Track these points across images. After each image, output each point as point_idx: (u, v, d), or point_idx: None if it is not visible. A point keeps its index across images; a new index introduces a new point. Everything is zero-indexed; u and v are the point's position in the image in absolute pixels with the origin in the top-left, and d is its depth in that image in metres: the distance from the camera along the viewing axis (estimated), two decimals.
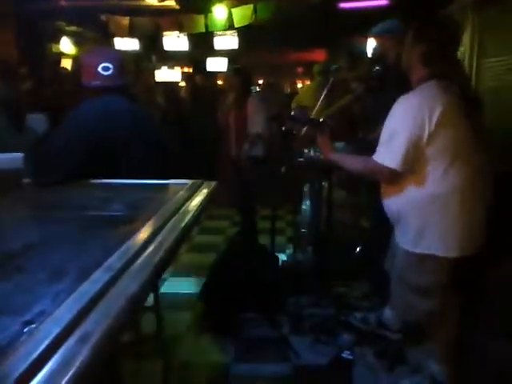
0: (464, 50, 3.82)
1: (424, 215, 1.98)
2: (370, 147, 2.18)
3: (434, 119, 1.85)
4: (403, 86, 2.08)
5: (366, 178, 2.14)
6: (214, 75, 7.41)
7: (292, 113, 3.53)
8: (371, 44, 5.92)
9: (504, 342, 2.32)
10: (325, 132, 2.42)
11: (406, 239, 2.09)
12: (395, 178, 2.00)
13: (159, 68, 9.40)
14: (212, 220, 5.14)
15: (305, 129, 2.88)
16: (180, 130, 5.69)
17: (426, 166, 1.93)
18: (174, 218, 1.25)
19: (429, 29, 2.05)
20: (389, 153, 1.96)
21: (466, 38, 3.84)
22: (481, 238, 2.01)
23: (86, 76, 2.14)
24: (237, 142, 4.15)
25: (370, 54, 5.57)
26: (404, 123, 1.93)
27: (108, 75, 2.11)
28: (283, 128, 2.98)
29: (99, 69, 2.09)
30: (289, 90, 9.97)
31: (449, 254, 1.97)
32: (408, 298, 2.19)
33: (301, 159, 2.97)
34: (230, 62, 7.97)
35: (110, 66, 2.10)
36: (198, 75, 6.84)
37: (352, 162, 2.22)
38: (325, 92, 3.07)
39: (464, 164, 1.92)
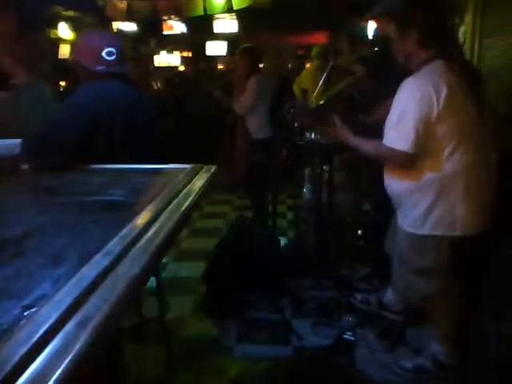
0: (466, 29, 3.76)
1: (429, 196, 1.97)
2: (368, 130, 2.16)
3: (442, 99, 1.83)
4: (402, 70, 2.06)
5: (381, 163, 2.11)
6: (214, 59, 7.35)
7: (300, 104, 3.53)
8: (372, 26, 5.87)
9: (505, 323, 2.33)
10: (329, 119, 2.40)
11: (409, 221, 2.09)
12: (408, 161, 1.97)
13: (158, 53, 9.31)
14: (213, 205, 5.14)
15: (307, 118, 2.88)
16: (179, 115, 5.67)
17: (432, 147, 1.92)
18: (174, 202, 1.24)
19: (420, 13, 2.02)
20: (399, 136, 1.93)
21: (468, 17, 3.78)
22: (484, 218, 2.01)
23: (90, 60, 2.06)
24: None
25: (370, 36, 5.52)
26: (411, 105, 1.90)
27: (112, 60, 2.06)
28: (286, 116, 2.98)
29: (103, 54, 2.05)
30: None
31: (452, 233, 1.97)
32: (409, 280, 2.19)
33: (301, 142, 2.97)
34: (229, 46, 7.88)
35: (114, 50, 2.06)
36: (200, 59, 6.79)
37: (367, 147, 2.18)
38: (325, 75, 3.05)
39: (469, 144, 1.91)
